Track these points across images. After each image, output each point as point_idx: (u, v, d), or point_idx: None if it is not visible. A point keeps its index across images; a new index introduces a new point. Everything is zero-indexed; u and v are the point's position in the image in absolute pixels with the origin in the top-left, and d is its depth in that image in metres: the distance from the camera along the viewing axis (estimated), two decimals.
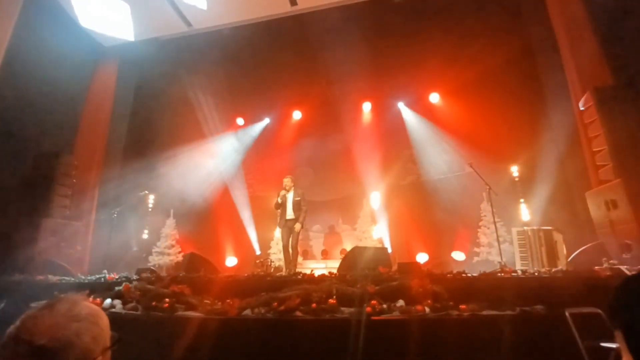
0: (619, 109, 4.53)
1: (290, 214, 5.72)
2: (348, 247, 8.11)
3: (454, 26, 7.44)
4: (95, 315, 0.84)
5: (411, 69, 8.33)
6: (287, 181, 5.87)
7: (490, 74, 7.29)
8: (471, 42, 7.37)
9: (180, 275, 4.16)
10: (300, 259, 8.35)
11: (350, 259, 4.60)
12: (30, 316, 0.78)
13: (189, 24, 7.49)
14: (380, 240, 8.46)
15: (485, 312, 2.82)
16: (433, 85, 8.88)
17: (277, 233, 7.83)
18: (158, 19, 7.30)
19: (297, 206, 5.73)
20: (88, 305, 0.85)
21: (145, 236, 8.26)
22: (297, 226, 5.63)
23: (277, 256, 8.04)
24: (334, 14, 7.44)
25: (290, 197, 5.79)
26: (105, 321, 0.86)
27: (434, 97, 9.03)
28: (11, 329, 0.76)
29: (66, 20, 6.89)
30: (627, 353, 0.68)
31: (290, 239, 5.69)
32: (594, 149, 4.81)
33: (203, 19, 7.50)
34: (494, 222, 5.54)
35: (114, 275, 4.47)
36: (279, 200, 5.73)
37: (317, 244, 9.56)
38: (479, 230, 7.28)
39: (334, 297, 3.06)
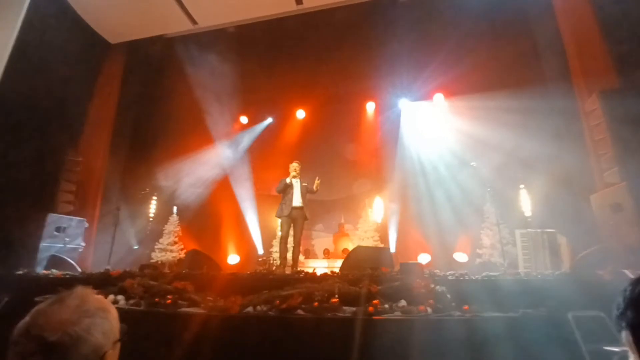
0: (625, 113, 4.50)
1: (298, 200, 5.34)
2: (350, 247, 8.10)
3: (458, 28, 7.40)
4: (104, 310, 0.85)
5: (415, 70, 8.32)
6: (296, 166, 5.51)
7: (495, 76, 7.25)
8: (476, 44, 7.33)
9: (183, 272, 4.18)
10: (301, 257, 8.36)
11: (352, 259, 4.60)
12: (40, 312, 0.77)
13: (194, 21, 7.51)
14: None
15: (487, 314, 2.81)
16: (437, 87, 8.85)
17: (280, 231, 7.72)
18: (163, 16, 7.32)
19: (303, 193, 5.46)
20: (97, 299, 0.86)
21: (148, 232, 8.28)
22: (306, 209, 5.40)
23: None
24: (339, 14, 7.42)
25: (297, 183, 5.45)
26: (114, 314, 0.87)
27: (438, 98, 9.01)
28: (21, 324, 0.75)
29: (72, 16, 6.92)
30: (637, 354, 0.68)
31: (293, 232, 5.39)
32: (599, 152, 4.79)
33: (208, 17, 7.51)
34: (497, 224, 5.52)
35: (118, 271, 4.49)
36: (288, 181, 5.35)
37: (318, 243, 9.55)
38: (481, 232, 7.24)
39: (336, 296, 3.06)
